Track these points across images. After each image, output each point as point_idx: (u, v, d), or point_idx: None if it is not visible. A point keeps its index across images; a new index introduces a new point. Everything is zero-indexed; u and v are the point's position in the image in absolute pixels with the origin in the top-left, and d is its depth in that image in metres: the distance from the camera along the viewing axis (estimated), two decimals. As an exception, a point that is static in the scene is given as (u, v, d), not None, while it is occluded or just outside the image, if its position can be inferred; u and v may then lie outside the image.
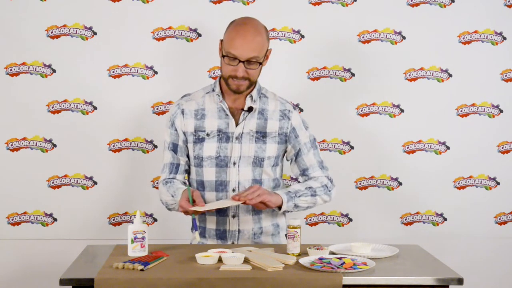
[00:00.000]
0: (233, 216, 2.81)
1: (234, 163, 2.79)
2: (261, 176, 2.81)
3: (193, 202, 2.63)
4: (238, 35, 2.70)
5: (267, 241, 2.86)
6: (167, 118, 2.87)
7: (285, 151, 2.88)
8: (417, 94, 3.50)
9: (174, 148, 2.84)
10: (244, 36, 2.69)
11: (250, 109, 2.79)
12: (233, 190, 2.79)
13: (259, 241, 2.85)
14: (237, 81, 2.72)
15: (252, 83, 2.76)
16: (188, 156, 2.86)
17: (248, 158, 2.79)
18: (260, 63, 2.74)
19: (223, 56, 2.72)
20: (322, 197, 2.81)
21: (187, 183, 2.90)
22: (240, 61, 2.69)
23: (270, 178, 2.84)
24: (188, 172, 2.89)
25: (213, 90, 2.84)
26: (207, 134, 2.80)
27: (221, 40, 2.78)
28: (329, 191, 2.84)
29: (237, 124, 2.80)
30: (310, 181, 2.83)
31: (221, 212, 2.81)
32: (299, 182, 2.88)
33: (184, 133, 2.83)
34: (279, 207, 2.74)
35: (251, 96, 2.80)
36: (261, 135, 2.80)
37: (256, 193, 2.64)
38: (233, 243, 2.82)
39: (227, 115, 2.80)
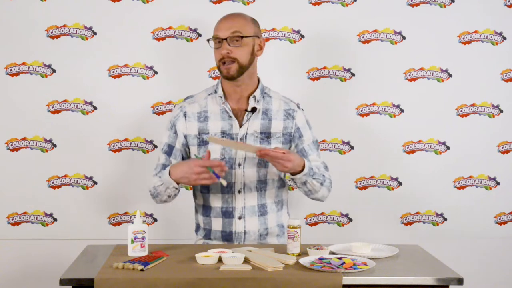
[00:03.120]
0: (239, 218, 2.81)
1: (239, 165, 2.78)
2: (266, 176, 2.81)
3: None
4: (220, 20, 2.79)
5: (272, 242, 2.86)
6: (168, 120, 2.87)
7: None
8: (417, 94, 3.50)
9: (169, 150, 2.83)
10: (225, 18, 2.79)
11: (253, 110, 2.79)
12: (239, 192, 2.78)
13: (264, 242, 2.84)
14: (226, 64, 2.73)
15: (242, 67, 2.74)
16: (183, 159, 2.85)
17: (253, 159, 2.78)
18: (242, 37, 2.73)
19: (208, 41, 2.77)
20: (323, 190, 2.80)
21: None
22: (222, 39, 2.72)
23: (275, 178, 2.83)
24: None
25: (215, 92, 2.83)
26: None
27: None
28: (331, 187, 2.84)
29: (240, 126, 2.79)
30: (322, 169, 2.82)
31: (227, 215, 2.81)
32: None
33: (186, 136, 2.82)
34: (293, 173, 2.71)
35: (254, 97, 2.80)
36: (266, 135, 2.80)
37: (286, 160, 2.61)
38: (239, 243, 2.81)
39: (230, 116, 2.79)
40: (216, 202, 2.80)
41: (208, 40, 2.76)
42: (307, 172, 2.71)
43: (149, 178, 2.85)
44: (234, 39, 2.73)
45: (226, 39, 2.72)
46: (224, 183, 2.61)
